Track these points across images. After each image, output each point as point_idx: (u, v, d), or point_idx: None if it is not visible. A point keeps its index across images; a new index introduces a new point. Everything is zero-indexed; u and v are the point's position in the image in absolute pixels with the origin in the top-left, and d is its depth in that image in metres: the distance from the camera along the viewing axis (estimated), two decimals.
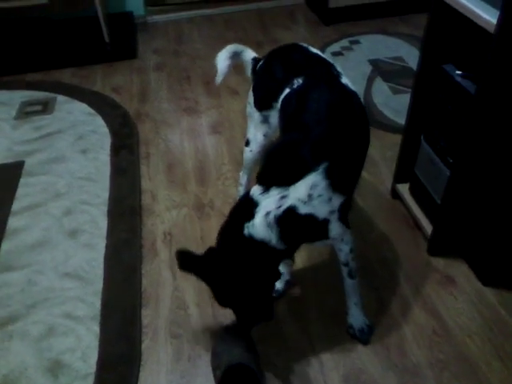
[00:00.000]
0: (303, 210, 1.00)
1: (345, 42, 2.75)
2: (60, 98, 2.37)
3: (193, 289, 1.42)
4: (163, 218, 1.67)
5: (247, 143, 1.49)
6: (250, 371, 1.13)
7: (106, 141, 2.07)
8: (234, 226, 1.07)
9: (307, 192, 1.00)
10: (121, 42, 2.76)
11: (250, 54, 1.49)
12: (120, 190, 1.79)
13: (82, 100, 2.35)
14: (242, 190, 1.61)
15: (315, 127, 1.05)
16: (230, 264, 1.05)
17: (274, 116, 1.32)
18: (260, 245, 1.02)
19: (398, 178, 1.65)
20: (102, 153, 2.00)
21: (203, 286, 1.42)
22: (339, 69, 1.25)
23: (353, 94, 1.18)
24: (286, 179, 1.01)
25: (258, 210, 1.01)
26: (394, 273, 1.45)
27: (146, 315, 1.36)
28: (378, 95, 2.26)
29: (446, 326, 1.30)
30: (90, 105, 2.31)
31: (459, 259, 1.47)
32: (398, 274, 1.44)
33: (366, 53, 2.63)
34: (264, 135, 1.42)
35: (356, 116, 1.15)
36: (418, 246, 1.52)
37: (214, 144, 2.03)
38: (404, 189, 1.63)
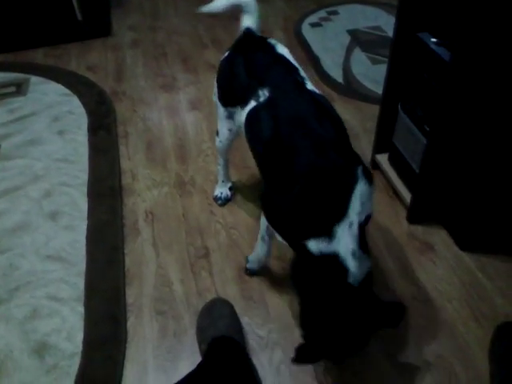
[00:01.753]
0: (362, 217, 0.98)
1: (323, 13, 2.72)
2: (34, 78, 2.31)
3: (176, 265, 1.43)
4: (144, 197, 1.66)
5: (217, 133, 1.46)
6: (234, 343, 1.15)
7: (83, 121, 2.03)
8: (333, 284, 0.96)
9: (360, 203, 0.97)
10: (94, 18, 2.68)
11: (250, 21, 1.36)
12: (99, 171, 1.77)
13: (56, 80, 2.30)
14: (220, 170, 1.59)
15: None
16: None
17: (239, 114, 1.26)
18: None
19: (378, 148, 1.66)
20: (79, 133, 1.96)
21: (186, 262, 1.44)
22: (303, 73, 1.22)
23: (321, 99, 1.15)
24: (339, 210, 0.96)
25: (344, 258, 0.94)
26: (375, 242, 1.47)
27: (131, 294, 1.36)
28: (357, 66, 2.25)
29: (426, 291, 1.33)
30: (65, 85, 2.26)
31: (438, 226, 1.50)
32: (378, 242, 1.47)
33: (344, 23, 2.60)
34: (229, 130, 1.39)
35: (334, 119, 1.13)
36: (398, 215, 1.54)
37: (193, 121, 2.01)
38: (383, 159, 1.64)
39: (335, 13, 2.71)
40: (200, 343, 1.20)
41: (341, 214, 0.95)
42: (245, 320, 1.28)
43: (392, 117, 1.53)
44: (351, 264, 0.93)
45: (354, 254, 0.94)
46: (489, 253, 1.41)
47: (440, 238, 1.47)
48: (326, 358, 1.02)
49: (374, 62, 2.26)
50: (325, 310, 0.94)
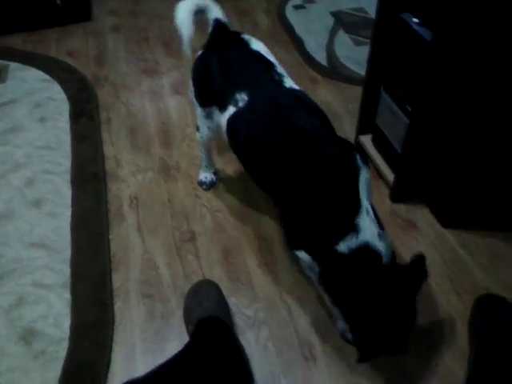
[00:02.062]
0: (371, 199, 1.01)
1: None
2: (13, 65, 2.26)
3: (162, 250, 1.43)
4: (128, 182, 1.66)
5: (197, 129, 1.44)
6: (221, 323, 1.16)
7: (65, 108, 2.00)
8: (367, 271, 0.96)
9: (366, 188, 0.99)
10: (73, 3, 2.62)
11: (214, 12, 1.34)
12: (82, 157, 1.76)
13: (36, 66, 2.25)
14: (204, 157, 1.58)
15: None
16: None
17: (218, 116, 1.24)
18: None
19: (361, 129, 1.67)
20: (61, 120, 1.94)
21: (172, 246, 1.45)
22: (280, 70, 1.19)
23: (300, 95, 1.14)
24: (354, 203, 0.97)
25: (373, 244, 0.95)
26: None
27: (117, 279, 1.37)
28: (341, 48, 2.24)
29: None
30: (46, 71, 2.22)
31: (420, 204, 1.52)
32: None
33: (327, 5, 2.58)
34: (208, 128, 1.37)
35: (317, 112, 1.13)
36: (381, 194, 1.56)
37: (176, 105, 1.99)
38: (367, 140, 1.65)
39: None
40: (187, 324, 1.21)
41: (356, 206, 0.96)
42: (232, 301, 1.29)
43: (375, 98, 1.54)
44: (380, 246, 0.95)
45: (380, 236, 0.96)
46: (469, 229, 1.44)
47: (422, 215, 1.49)
48: (389, 347, 0.99)
49: (357, 43, 2.25)
50: (374, 300, 0.94)
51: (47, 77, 2.18)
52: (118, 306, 1.30)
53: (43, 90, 2.10)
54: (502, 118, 1.18)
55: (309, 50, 2.24)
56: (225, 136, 1.23)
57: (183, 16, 1.31)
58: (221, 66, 1.19)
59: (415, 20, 1.31)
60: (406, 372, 1.14)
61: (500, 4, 1.03)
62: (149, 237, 1.47)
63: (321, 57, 2.19)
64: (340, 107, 1.91)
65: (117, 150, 1.80)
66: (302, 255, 1.09)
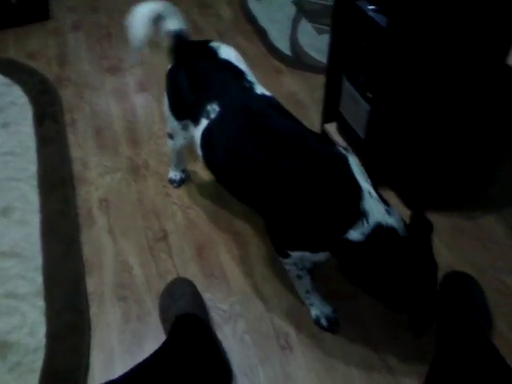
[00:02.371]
0: (369, 180, 1.02)
1: None
2: None
3: (135, 250, 1.43)
4: (97, 184, 1.64)
5: (170, 137, 1.42)
6: (197, 319, 1.17)
7: (28, 111, 1.95)
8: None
9: (360, 171, 0.99)
10: (30, 1, 2.54)
11: (175, 23, 1.29)
12: (48, 162, 1.73)
13: None
14: (173, 157, 1.56)
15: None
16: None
17: (192, 130, 1.21)
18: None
19: (326, 117, 1.69)
20: (24, 124, 1.89)
21: (145, 246, 1.44)
22: (251, 77, 1.18)
23: (272, 101, 1.13)
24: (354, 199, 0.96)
25: (385, 223, 0.94)
26: None
27: (91, 283, 1.36)
28: (304, 37, 2.25)
29: None
30: (5, 74, 2.16)
31: (386, 188, 1.55)
32: None
33: None
34: (184, 138, 1.35)
35: (289, 114, 1.12)
36: None
37: (142, 103, 1.97)
38: (332, 128, 1.67)
39: None
40: (164, 324, 1.22)
41: (357, 192, 0.95)
42: (207, 296, 1.30)
43: (337, 86, 1.56)
44: (393, 221, 0.94)
45: (389, 213, 0.95)
46: (434, 210, 1.48)
47: (389, 198, 1.51)
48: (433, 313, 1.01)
49: (320, 31, 2.26)
50: (404, 274, 0.94)
51: (7, 80, 2.12)
52: (94, 310, 1.30)
53: (4, 94, 2.05)
54: (456, 102, 1.22)
55: (272, 40, 2.24)
56: (197, 150, 1.20)
57: (137, 19, 1.26)
58: (189, 79, 1.18)
59: (371, 7, 1.33)
60: (380, 352, 1.17)
61: None
62: (121, 238, 1.46)
63: (284, 46, 2.19)
64: (305, 96, 1.92)
65: (83, 151, 1.77)
66: (295, 255, 1.08)
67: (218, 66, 1.18)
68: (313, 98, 1.90)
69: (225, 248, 1.42)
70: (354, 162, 1.00)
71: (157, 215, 1.52)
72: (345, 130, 1.60)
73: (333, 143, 1.06)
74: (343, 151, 1.02)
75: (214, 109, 1.11)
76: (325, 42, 2.14)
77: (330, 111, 1.66)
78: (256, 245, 1.43)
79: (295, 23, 2.35)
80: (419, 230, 0.99)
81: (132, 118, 1.90)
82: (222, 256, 1.40)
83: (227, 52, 1.22)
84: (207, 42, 1.27)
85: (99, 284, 1.36)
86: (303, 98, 1.91)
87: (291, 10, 2.44)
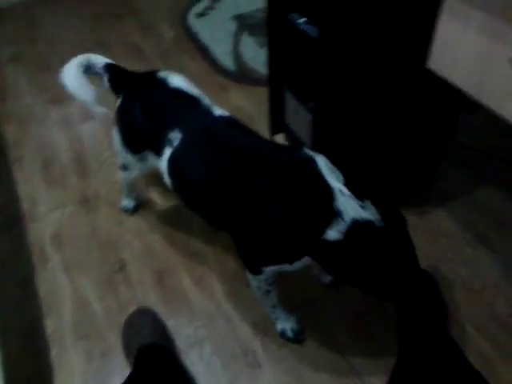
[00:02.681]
0: (340, 179, 1.03)
1: (206, 2, 2.70)
2: None
3: (92, 285, 1.39)
4: (48, 220, 1.59)
5: (124, 168, 1.39)
6: (160, 348, 1.15)
7: None
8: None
9: (329, 171, 1.00)
10: None
11: (99, 62, 1.30)
12: None
13: None
14: (125, 186, 1.53)
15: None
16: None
17: (154, 159, 1.20)
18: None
19: (274, 129, 1.71)
20: None
21: (102, 279, 1.41)
22: (206, 101, 1.18)
23: (229, 119, 1.15)
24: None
25: (362, 218, 0.95)
26: None
27: (50, 324, 1.32)
28: (247, 50, 2.28)
29: None
30: None
31: None
32: None
33: (229, 9, 2.61)
34: (140, 169, 1.34)
35: (250, 131, 1.14)
36: None
37: (89, 131, 1.94)
38: (280, 139, 1.69)
39: (218, 0, 2.71)
40: (128, 357, 1.19)
41: (327, 191, 0.95)
42: (171, 323, 1.28)
43: (280, 98, 1.57)
44: (368, 215, 0.95)
45: (363, 207, 0.96)
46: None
47: None
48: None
49: (262, 44, 2.29)
50: (388, 260, 0.96)
51: None
52: (55, 352, 1.26)
53: None
54: (388, 104, 1.26)
55: (216, 56, 2.26)
56: (165, 179, 1.19)
57: (73, 80, 1.29)
58: (144, 112, 1.16)
59: (302, 20, 1.35)
60: (346, 356, 1.19)
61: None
62: (77, 274, 1.43)
63: (228, 62, 2.21)
64: (252, 110, 1.94)
65: (31, 187, 1.72)
66: (268, 270, 1.08)
67: (171, 95, 1.18)
68: (259, 110, 1.91)
69: (184, 271, 1.41)
70: (322, 162, 1.00)
71: (112, 245, 1.49)
72: (293, 140, 1.62)
73: (300, 148, 1.05)
74: (310, 153, 1.02)
75: (176, 136, 1.11)
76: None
77: (277, 123, 1.67)
78: (215, 263, 1.42)
79: (237, 38, 2.37)
80: (393, 221, 1.01)
81: (80, 149, 1.86)
82: (183, 279, 1.39)
83: (177, 80, 1.21)
84: (154, 72, 1.25)
85: (58, 324, 1.31)
86: (250, 112, 1.93)
87: (232, 26, 2.46)
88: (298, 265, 1.05)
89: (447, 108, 1.37)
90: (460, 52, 0.81)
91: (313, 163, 0.99)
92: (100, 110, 1.33)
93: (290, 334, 1.22)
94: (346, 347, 1.21)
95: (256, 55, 2.23)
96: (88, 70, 1.30)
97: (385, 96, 1.24)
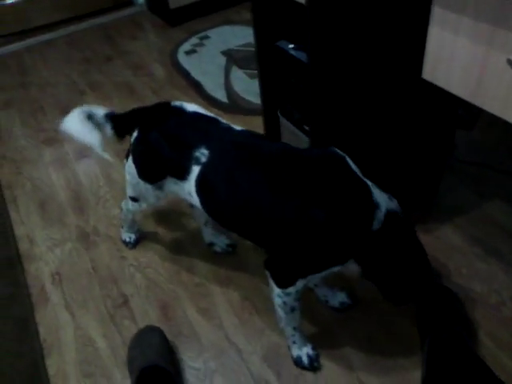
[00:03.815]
0: None
1: (195, 40, 2.78)
2: None
3: (95, 322, 1.35)
4: (47, 259, 1.56)
5: (135, 200, 1.37)
6: (163, 372, 1.11)
7: None
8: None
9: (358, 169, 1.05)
10: None
11: (99, 112, 1.31)
12: None
13: None
14: (126, 221, 1.52)
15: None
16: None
17: (170, 182, 1.20)
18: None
19: None
20: None
21: (105, 316, 1.37)
22: (224, 121, 1.19)
23: (250, 132, 1.17)
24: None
25: (392, 207, 1.03)
26: None
27: (52, 364, 1.27)
28: (238, 83, 2.32)
29: None
30: None
31: None
32: None
33: (217, 45, 2.68)
34: (157, 197, 1.31)
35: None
36: None
37: (84, 169, 1.94)
38: None
39: (206, 37, 2.78)
40: (130, 375, 1.16)
41: (365, 187, 1.01)
42: (178, 357, 1.24)
43: (275, 123, 1.60)
44: (395, 206, 1.03)
45: (391, 199, 1.04)
46: None
47: None
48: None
49: (252, 76, 2.34)
50: (416, 252, 1.06)
51: None
52: None
53: None
54: (385, 121, 1.28)
55: (208, 91, 2.30)
56: (192, 200, 1.18)
57: (77, 126, 1.29)
58: (164, 138, 1.16)
59: (291, 46, 1.39)
60: (364, 382, 1.15)
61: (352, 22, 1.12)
62: (79, 312, 1.39)
63: (221, 95, 2.25)
64: None
65: (28, 227, 1.70)
66: (298, 285, 1.06)
67: (190, 119, 1.19)
68: None
69: (189, 303, 1.37)
70: (351, 160, 1.05)
71: (114, 281, 1.46)
72: None
73: (326, 147, 1.08)
74: (339, 152, 1.05)
75: (202, 153, 1.10)
76: (257, 85, 2.24)
77: None
78: (220, 293, 1.39)
79: (227, 72, 2.43)
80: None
81: (76, 186, 1.85)
82: (188, 312, 1.35)
83: (192, 106, 1.23)
84: (167, 102, 1.26)
85: (61, 364, 1.26)
86: None
87: (221, 60, 2.53)
88: (334, 269, 1.06)
89: (443, 124, 1.39)
90: (454, 60, 0.83)
91: (345, 161, 1.04)
92: (106, 156, 1.35)
93: (305, 360, 1.18)
94: (363, 374, 1.17)
95: (247, 87, 2.27)
96: (89, 119, 1.29)
97: (381, 113, 1.26)
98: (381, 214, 0.98)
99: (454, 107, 1.37)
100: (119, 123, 1.31)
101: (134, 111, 1.31)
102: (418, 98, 1.23)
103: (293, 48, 1.36)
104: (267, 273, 1.10)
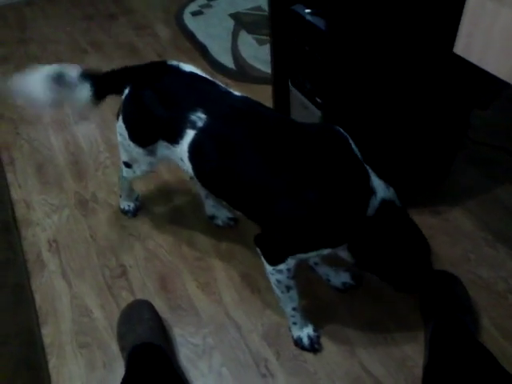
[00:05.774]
0: None
1: (202, 0, 2.65)
2: None
3: (93, 292, 1.32)
4: (44, 225, 1.52)
5: (127, 166, 1.30)
6: (155, 349, 1.09)
7: None
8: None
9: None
10: None
11: (72, 72, 1.17)
12: None
13: None
14: (124, 188, 1.47)
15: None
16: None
17: (162, 147, 1.14)
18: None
19: None
20: None
21: (103, 286, 1.34)
22: (222, 84, 1.13)
23: (250, 99, 1.10)
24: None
25: (388, 197, 1.00)
26: None
27: (47, 333, 1.24)
28: (246, 49, 2.22)
29: None
30: None
31: None
32: None
33: (225, 7, 2.56)
34: (150, 164, 1.25)
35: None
36: None
37: (84, 132, 1.87)
38: None
39: None
40: (122, 351, 1.14)
41: (364, 170, 0.98)
42: (177, 331, 1.22)
43: (285, 94, 1.52)
44: (391, 195, 1.01)
45: (387, 187, 1.00)
46: None
47: None
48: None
49: (261, 42, 2.24)
50: (412, 241, 1.04)
51: None
52: (53, 363, 1.18)
53: None
54: (405, 96, 1.21)
55: (214, 55, 2.20)
56: (183, 166, 1.12)
57: (35, 84, 1.15)
58: (159, 97, 1.09)
59: (307, 10, 1.30)
60: (365, 365, 1.13)
61: None
62: (76, 280, 1.35)
63: (227, 60, 2.15)
64: None
65: (25, 191, 1.65)
66: (288, 263, 1.03)
67: (187, 79, 1.12)
68: None
69: (189, 276, 1.34)
70: (353, 142, 1.02)
71: (113, 250, 1.42)
72: None
73: (327, 124, 1.07)
74: (343, 131, 1.02)
75: (199, 117, 1.03)
76: (267, 52, 2.13)
77: None
78: (221, 268, 1.36)
79: (235, 36, 2.32)
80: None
81: (75, 150, 1.79)
82: (188, 285, 1.32)
83: (189, 67, 1.17)
84: (164, 61, 1.19)
85: (56, 333, 1.24)
86: None
87: (229, 24, 2.41)
88: (324, 251, 1.03)
89: (459, 102, 1.32)
90: (494, 34, 0.76)
91: (348, 141, 1.00)
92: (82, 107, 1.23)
93: (306, 341, 1.16)
94: (364, 357, 1.14)
95: (256, 53, 2.17)
96: (57, 81, 1.16)
97: (400, 88, 1.19)
98: (376, 201, 0.96)
99: (475, 85, 1.30)
100: (101, 82, 1.21)
101: (125, 69, 1.22)
102: (442, 74, 1.16)
103: (310, 13, 1.27)
104: (257, 250, 1.07)
